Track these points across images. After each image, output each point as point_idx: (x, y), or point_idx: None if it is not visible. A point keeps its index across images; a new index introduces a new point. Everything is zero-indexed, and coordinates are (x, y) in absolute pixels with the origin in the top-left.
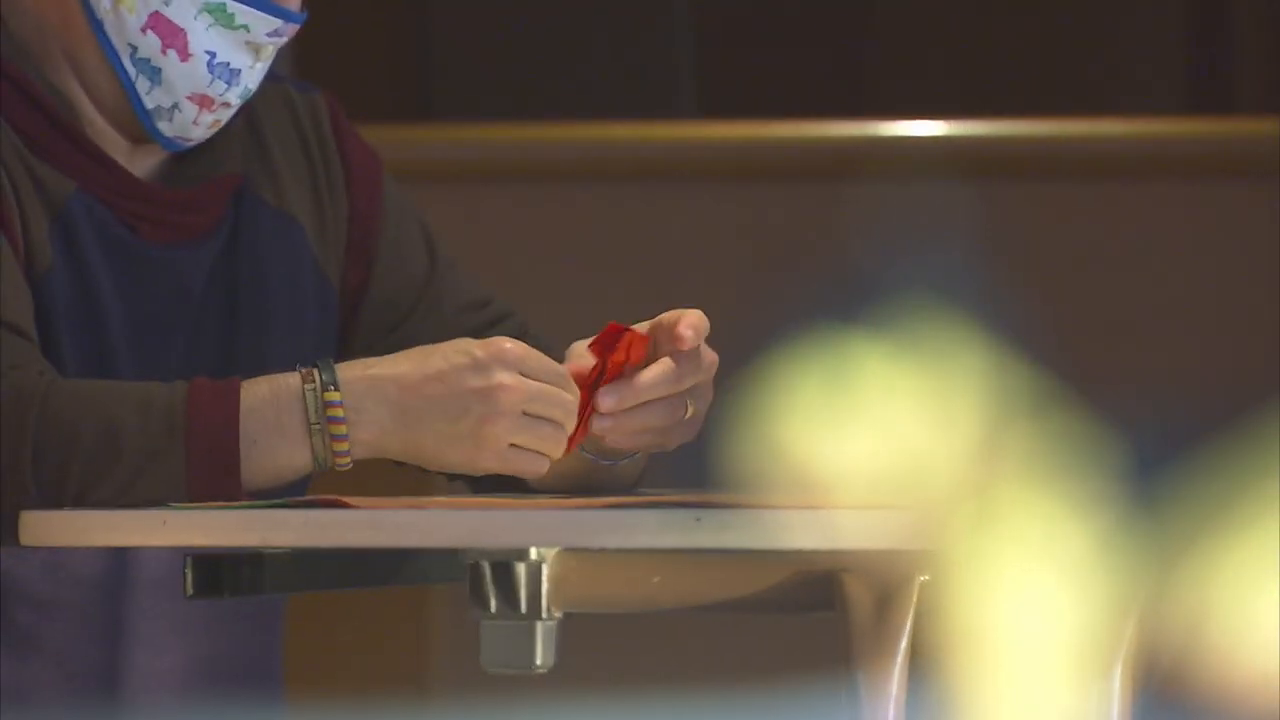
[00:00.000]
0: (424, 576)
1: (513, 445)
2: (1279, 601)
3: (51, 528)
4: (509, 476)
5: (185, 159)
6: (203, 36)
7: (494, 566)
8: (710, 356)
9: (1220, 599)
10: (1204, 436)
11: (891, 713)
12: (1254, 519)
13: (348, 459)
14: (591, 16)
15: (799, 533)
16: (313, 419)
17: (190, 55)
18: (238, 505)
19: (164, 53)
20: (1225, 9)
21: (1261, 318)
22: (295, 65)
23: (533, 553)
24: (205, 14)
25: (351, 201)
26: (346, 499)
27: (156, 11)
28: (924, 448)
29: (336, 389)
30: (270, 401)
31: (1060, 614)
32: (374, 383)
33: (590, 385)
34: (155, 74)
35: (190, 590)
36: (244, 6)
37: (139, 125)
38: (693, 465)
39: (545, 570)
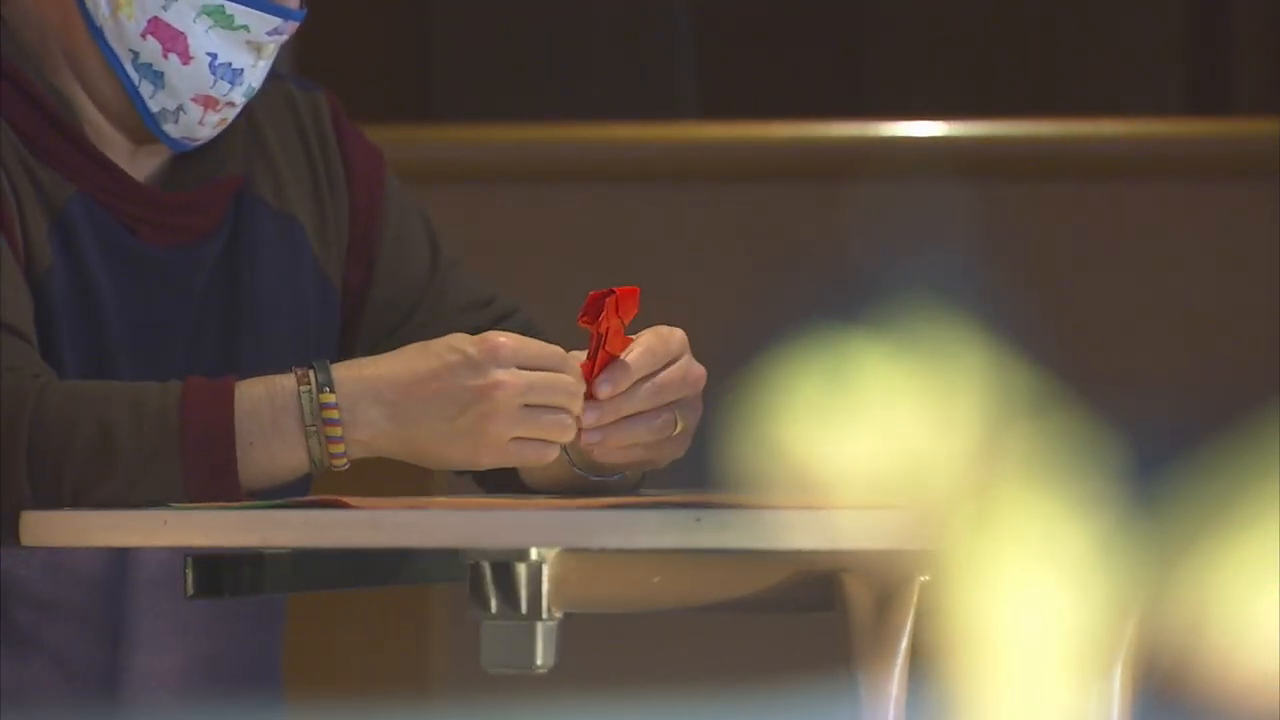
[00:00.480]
0: (424, 576)
1: (516, 438)
2: (1279, 601)
3: (52, 528)
4: (511, 476)
5: (187, 160)
6: (203, 39)
7: (494, 567)
8: (697, 370)
9: (1220, 599)
10: (1204, 436)
11: (891, 713)
12: (1254, 519)
13: (344, 460)
14: (591, 17)
15: (799, 533)
16: (308, 421)
17: (192, 58)
18: (238, 505)
19: (165, 57)
20: (1225, 9)
21: (1261, 318)
22: (295, 65)
23: (533, 553)
24: (204, 16)
25: (352, 200)
26: (347, 499)
27: (155, 16)
28: (924, 448)
29: (331, 390)
30: (266, 404)
31: (1060, 614)
32: (368, 384)
33: (592, 362)
34: (158, 78)
35: (190, 590)
36: (242, 7)
37: (143, 127)
38: (693, 465)
39: (545, 570)
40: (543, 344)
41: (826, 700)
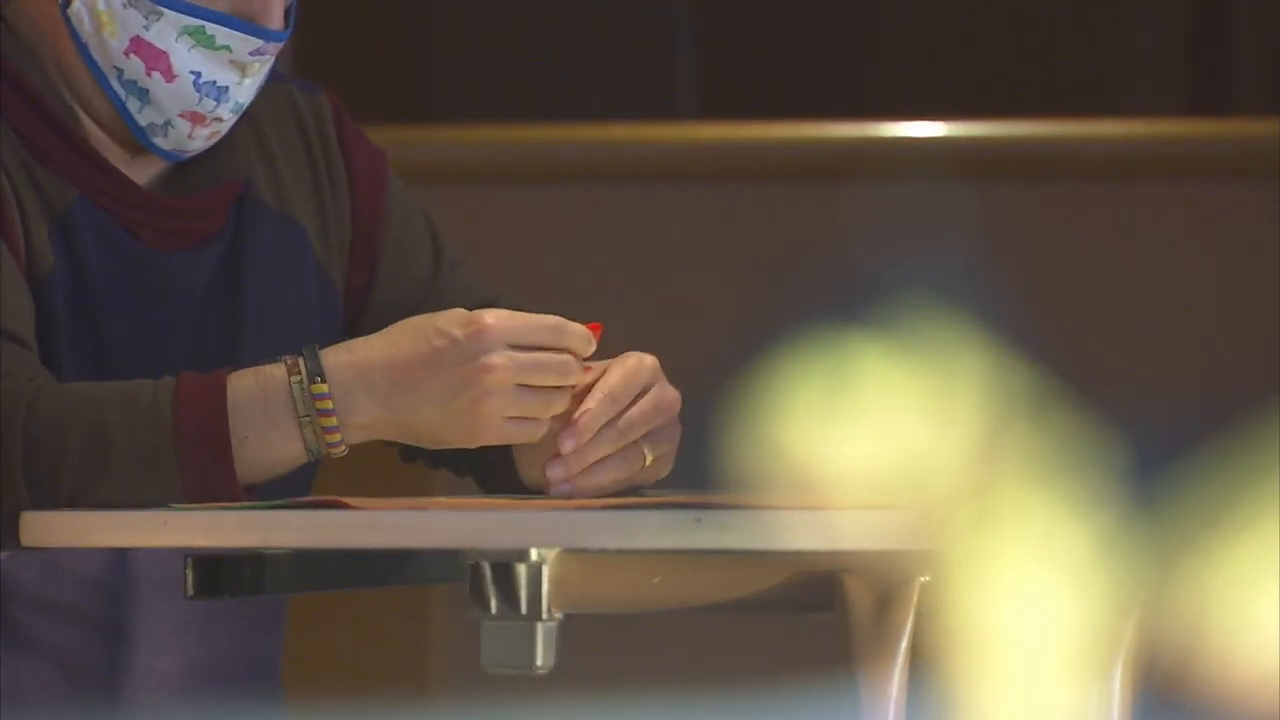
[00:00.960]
0: (424, 577)
1: (511, 417)
2: (1279, 601)
3: (52, 529)
4: (512, 476)
5: (188, 164)
6: (185, 58)
7: (494, 567)
8: (670, 396)
9: (1220, 599)
10: (1204, 436)
11: (891, 713)
12: (1254, 519)
13: (341, 446)
14: (591, 16)
15: (799, 533)
16: (301, 412)
17: (175, 76)
18: (239, 506)
19: (149, 75)
20: (1225, 10)
21: (1261, 318)
22: (296, 65)
23: (533, 553)
24: (186, 36)
25: (355, 202)
26: (347, 499)
27: (137, 36)
28: (924, 448)
29: (323, 379)
30: (258, 397)
31: (1060, 614)
32: (360, 371)
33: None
34: (143, 94)
35: (191, 591)
36: (223, 28)
37: (135, 139)
38: (693, 465)
39: (546, 571)
40: (534, 316)
41: (826, 700)
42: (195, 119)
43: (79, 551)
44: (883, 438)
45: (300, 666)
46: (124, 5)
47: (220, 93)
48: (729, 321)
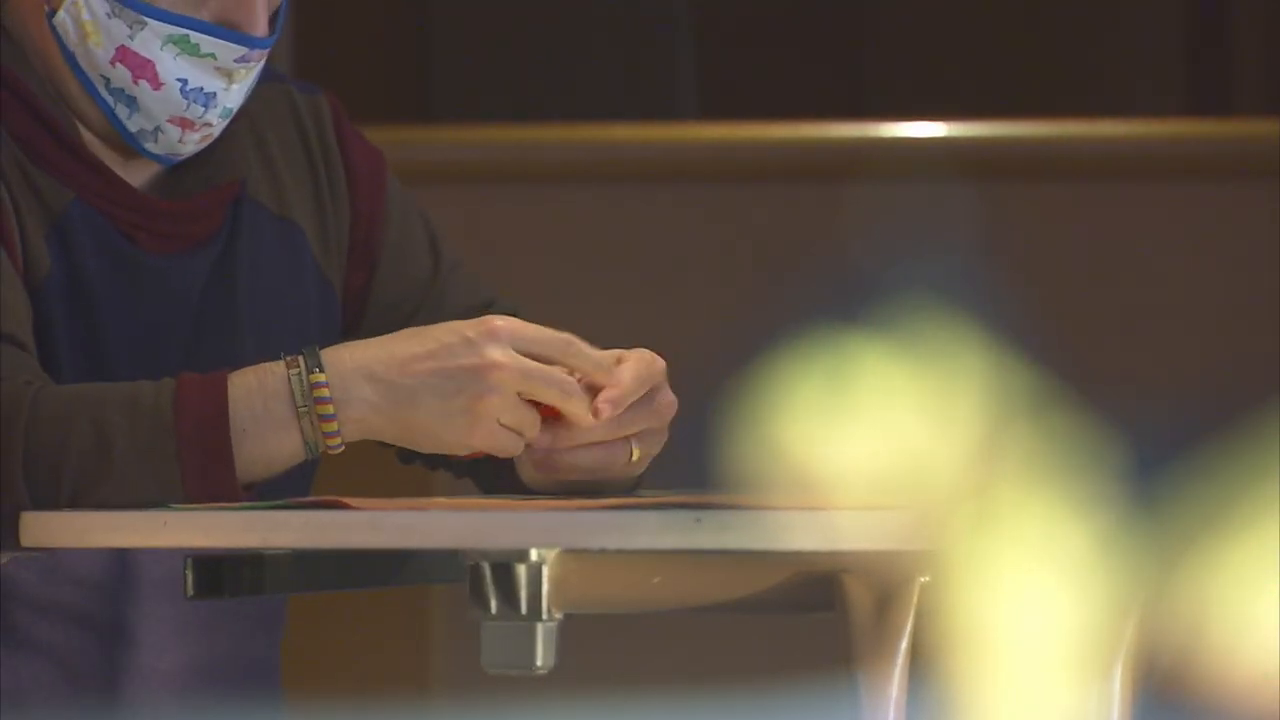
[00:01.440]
0: (424, 577)
1: (502, 425)
2: (1279, 601)
3: (52, 529)
4: (512, 477)
5: (185, 166)
6: (171, 65)
7: (494, 567)
8: (668, 400)
9: (1220, 599)
10: (1204, 436)
11: (891, 713)
12: (1254, 519)
13: (338, 440)
14: (591, 17)
15: (799, 533)
16: (300, 403)
17: (162, 84)
18: (239, 506)
19: (136, 83)
20: (1225, 10)
21: (1261, 318)
22: (295, 65)
23: (533, 554)
24: (171, 45)
25: (354, 203)
26: (347, 500)
27: (122, 45)
28: (924, 448)
29: (322, 371)
30: (257, 390)
31: (1060, 614)
32: (361, 363)
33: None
34: (131, 101)
35: (191, 591)
36: (207, 36)
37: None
38: (693, 465)
39: (545, 571)
40: (545, 329)
41: (826, 700)
42: (184, 124)
43: (79, 552)
44: (883, 438)
45: (300, 666)
46: (108, 15)
47: (208, 99)
48: (729, 321)
